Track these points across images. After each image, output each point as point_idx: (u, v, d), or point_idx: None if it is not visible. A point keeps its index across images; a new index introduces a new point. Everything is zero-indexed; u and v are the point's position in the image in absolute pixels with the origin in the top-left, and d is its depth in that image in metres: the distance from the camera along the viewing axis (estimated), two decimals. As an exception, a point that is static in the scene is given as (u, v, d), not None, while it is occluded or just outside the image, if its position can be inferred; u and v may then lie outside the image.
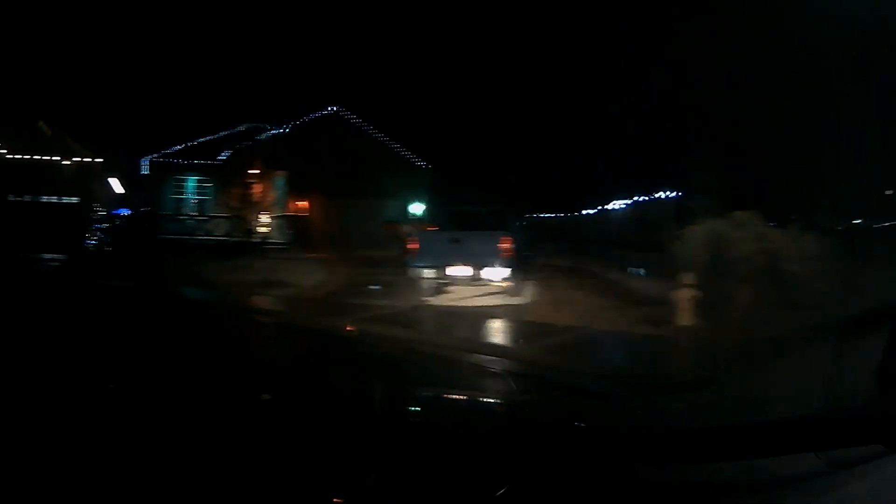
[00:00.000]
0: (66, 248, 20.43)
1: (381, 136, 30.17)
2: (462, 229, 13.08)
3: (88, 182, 25.80)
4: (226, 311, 4.85)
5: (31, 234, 21.93)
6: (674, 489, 1.35)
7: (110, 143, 26.75)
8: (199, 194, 27.45)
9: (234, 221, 26.68)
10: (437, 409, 2.05)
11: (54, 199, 25.50)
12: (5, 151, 24.86)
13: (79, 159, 25.69)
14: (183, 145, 27.31)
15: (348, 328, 4.60)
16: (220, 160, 27.28)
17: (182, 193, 27.24)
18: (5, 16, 27.39)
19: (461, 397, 2.34)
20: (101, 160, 25.92)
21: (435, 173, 30.42)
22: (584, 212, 39.02)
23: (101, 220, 26.00)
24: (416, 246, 13.20)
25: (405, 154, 30.52)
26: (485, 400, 2.47)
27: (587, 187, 35.47)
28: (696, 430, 1.65)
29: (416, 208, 29.15)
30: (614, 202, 33.26)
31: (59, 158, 25.42)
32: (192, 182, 27.35)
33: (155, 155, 26.85)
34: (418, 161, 30.74)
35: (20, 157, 24.87)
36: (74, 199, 25.57)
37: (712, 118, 17.18)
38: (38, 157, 25.06)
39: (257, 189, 26.95)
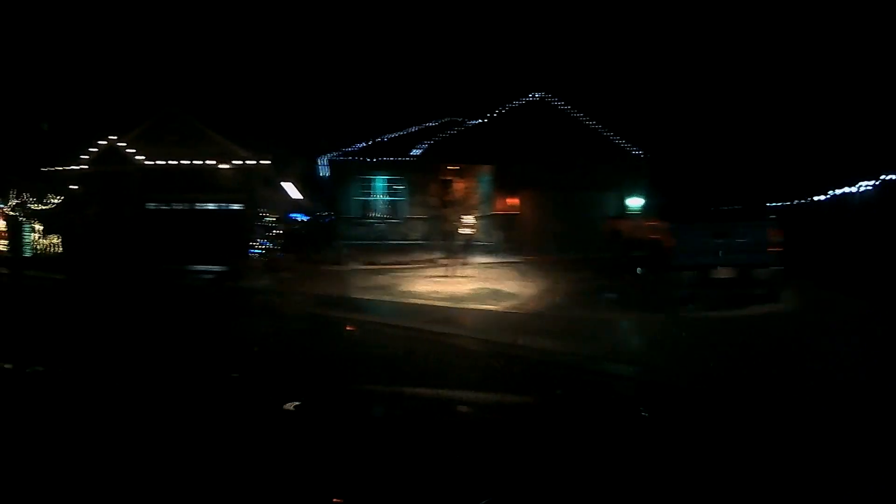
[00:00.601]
0: (226, 258, 19.09)
1: (592, 123, 25.64)
2: (721, 221, 11.99)
3: (254, 187, 22.98)
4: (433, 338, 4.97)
5: (182, 244, 20.75)
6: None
7: (282, 143, 24.04)
8: (389, 195, 23.68)
9: (433, 223, 22.65)
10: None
11: (211, 206, 22.98)
12: (143, 158, 22.75)
13: (240, 162, 22.91)
14: (368, 142, 23.78)
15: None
16: (413, 156, 23.44)
17: (369, 195, 23.61)
18: (164, 14, 26.11)
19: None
20: (269, 162, 22.93)
21: (650, 162, 25.92)
22: (813, 198, 34.05)
23: (271, 226, 22.97)
24: (673, 242, 11.58)
25: (617, 141, 25.85)
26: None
27: (814, 170, 28.90)
28: None
29: (634, 202, 24.34)
30: (855, 185, 27.20)
31: (214, 162, 22.83)
32: (380, 182, 23.69)
33: (335, 154, 23.51)
34: (632, 149, 25.90)
35: (169, 162, 22.62)
36: (236, 206, 22.81)
37: None
38: (192, 162, 22.77)
39: (458, 186, 22.90)
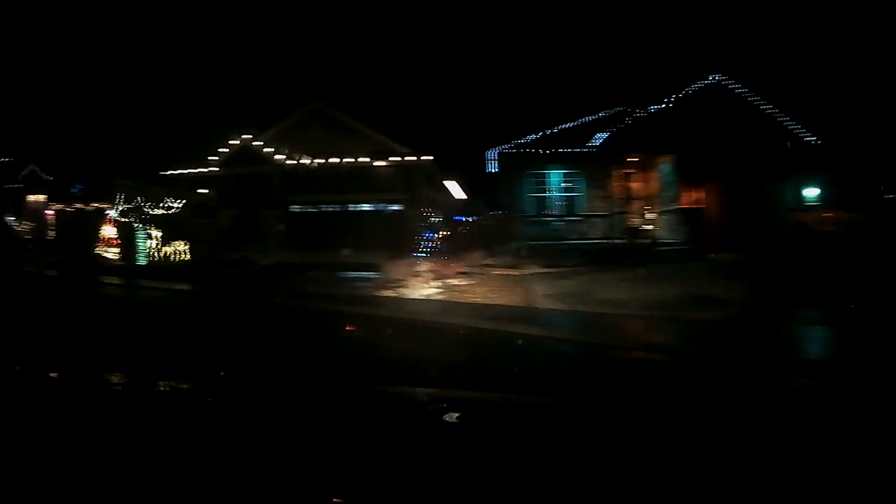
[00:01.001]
0: (385, 264, 17.90)
1: (769, 108, 22.35)
2: None
3: (415, 185, 21.90)
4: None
5: (333, 249, 19.75)
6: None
7: (443, 137, 22.83)
8: (564, 190, 21.83)
9: (613, 220, 20.68)
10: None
11: (366, 207, 22.10)
12: (284, 157, 22.13)
13: (398, 159, 21.90)
14: (539, 134, 22.03)
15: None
16: (591, 147, 21.42)
17: (543, 191, 21.82)
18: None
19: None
20: (431, 158, 21.79)
21: (825, 149, 22.88)
22: None
23: (436, 227, 21.78)
24: None
25: (794, 128, 22.94)
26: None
27: None
28: None
29: (811, 192, 22.52)
30: None
31: (369, 160, 21.92)
32: (555, 176, 21.81)
33: (506, 146, 21.84)
34: (808, 136, 23.01)
35: (315, 161, 21.96)
36: (395, 207, 21.80)
37: None
38: (343, 161, 21.95)
39: (639, 179, 20.75)
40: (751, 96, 22.64)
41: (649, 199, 22.00)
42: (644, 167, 21.97)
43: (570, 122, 22.51)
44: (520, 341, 8.38)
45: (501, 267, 18.77)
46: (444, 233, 21.42)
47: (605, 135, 21.60)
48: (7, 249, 26.17)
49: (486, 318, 10.25)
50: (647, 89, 22.72)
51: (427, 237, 20.94)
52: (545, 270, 16.83)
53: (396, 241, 20.61)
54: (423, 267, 19.14)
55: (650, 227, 21.35)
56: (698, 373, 6.40)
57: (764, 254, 17.58)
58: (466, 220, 22.60)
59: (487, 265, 19.23)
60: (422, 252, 20.68)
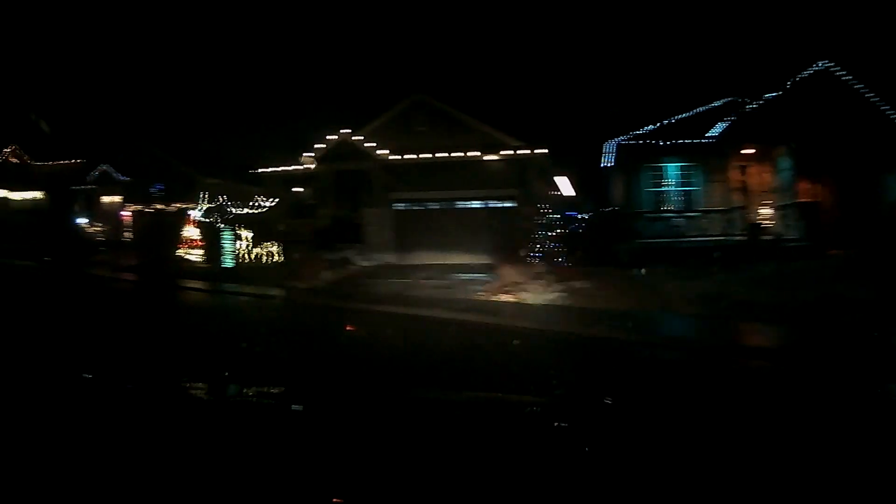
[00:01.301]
0: (497, 265, 16.96)
1: (872, 96, 21.85)
2: None
3: (529, 181, 20.86)
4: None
5: (442, 249, 18.98)
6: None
7: (555, 129, 21.71)
8: (681, 185, 21.01)
9: (733, 216, 20.03)
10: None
11: (476, 204, 21.09)
12: (387, 152, 20.92)
13: (510, 153, 20.81)
14: (656, 125, 21.04)
15: None
16: (710, 138, 20.54)
17: (660, 185, 20.94)
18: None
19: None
20: (545, 151, 20.70)
21: None
22: None
23: (551, 225, 20.89)
24: None
25: (891, 114, 21.80)
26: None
27: None
28: None
29: None
30: None
31: (479, 154, 20.79)
32: (672, 170, 20.93)
33: (624, 138, 20.80)
34: None
35: (420, 156, 20.76)
36: (508, 204, 20.80)
37: None
38: (451, 155, 20.78)
39: (754, 172, 20.08)
40: (856, 83, 21.89)
41: (764, 194, 21.33)
42: (758, 159, 21.20)
43: (685, 113, 21.48)
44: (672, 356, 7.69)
45: (623, 266, 18.06)
46: (560, 231, 20.55)
47: (724, 125, 20.64)
48: (76, 253, 24.59)
49: (626, 329, 9.55)
50: (755, 78, 21.66)
51: (542, 235, 20.05)
52: (671, 270, 16.05)
53: (509, 239, 19.73)
54: (540, 267, 18.33)
55: (769, 222, 20.74)
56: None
57: (879, 249, 16.80)
58: (581, 218, 21.70)
59: (608, 265, 18.53)
60: (537, 251, 19.83)
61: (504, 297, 13.70)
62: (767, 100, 21.07)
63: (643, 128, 20.96)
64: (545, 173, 21.07)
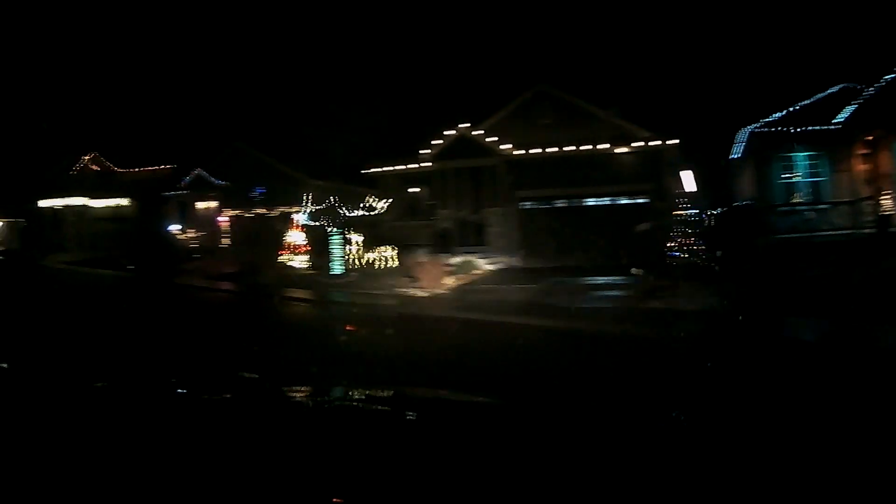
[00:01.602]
0: (631, 267, 15.75)
1: None
2: None
3: (661, 174, 19.73)
4: None
5: (573, 251, 18.06)
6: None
7: (684, 119, 20.52)
8: (810, 175, 20.31)
9: (860, 207, 19.56)
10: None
11: (606, 201, 19.86)
12: (510, 147, 19.45)
13: (641, 144, 19.58)
14: (784, 112, 20.10)
15: None
16: (836, 124, 19.82)
17: (790, 176, 20.17)
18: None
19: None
20: (677, 141, 19.55)
21: None
22: None
23: (688, 222, 19.91)
24: None
25: None
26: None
27: None
28: None
29: None
30: None
31: (609, 146, 19.49)
32: (801, 159, 20.17)
33: (755, 126, 19.79)
34: None
35: (546, 150, 19.32)
36: (640, 200, 19.66)
37: None
38: (579, 148, 19.42)
39: (874, 161, 19.65)
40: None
41: (884, 183, 20.97)
42: (882, 146, 20.74)
43: (806, 100, 20.63)
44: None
45: (767, 265, 17.32)
46: (695, 228, 19.55)
47: (851, 109, 19.95)
48: (166, 261, 21.79)
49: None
50: (866, 62, 20.87)
51: (684, 234, 19.00)
52: (817, 267, 15.20)
53: (643, 238, 18.62)
54: (683, 269, 17.36)
55: (891, 212, 20.43)
56: None
57: None
58: (711, 213, 20.71)
59: (751, 263, 17.76)
60: (675, 250, 18.83)
61: (653, 304, 12.56)
62: (888, 82, 20.45)
63: (770, 115, 20.00)
64: (673, 167, 19.88)
